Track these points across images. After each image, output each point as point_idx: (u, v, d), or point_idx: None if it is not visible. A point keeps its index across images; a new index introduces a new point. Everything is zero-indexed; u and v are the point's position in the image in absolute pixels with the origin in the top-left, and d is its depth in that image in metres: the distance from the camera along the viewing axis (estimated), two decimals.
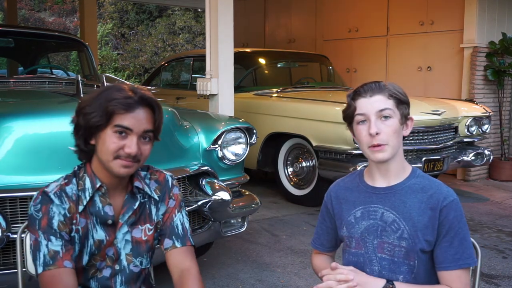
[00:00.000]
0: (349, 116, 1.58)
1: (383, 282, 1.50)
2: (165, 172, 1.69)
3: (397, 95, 1.54)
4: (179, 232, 1.62)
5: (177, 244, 1.60)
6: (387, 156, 1.53)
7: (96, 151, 1.50)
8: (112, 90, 1.47)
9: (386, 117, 1.52)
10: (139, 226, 1.59)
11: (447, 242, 1.52)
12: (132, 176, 1.58)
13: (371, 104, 1.52)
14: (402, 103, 1.55)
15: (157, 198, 1.62)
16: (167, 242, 1.61)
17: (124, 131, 1.44)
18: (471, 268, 1.64)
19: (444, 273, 1.53)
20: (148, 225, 1.60)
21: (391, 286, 1.48)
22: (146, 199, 1.61)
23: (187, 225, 1.65)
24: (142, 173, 1.63)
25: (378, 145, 1.51)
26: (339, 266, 1.51)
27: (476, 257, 1.60)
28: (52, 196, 1.48)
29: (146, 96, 1.48)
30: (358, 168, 1.74)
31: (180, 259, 1.59)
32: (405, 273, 1.54)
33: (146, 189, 1.60)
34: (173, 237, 1.61)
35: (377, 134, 1.50)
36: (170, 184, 1.66)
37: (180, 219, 1.64)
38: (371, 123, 1.51)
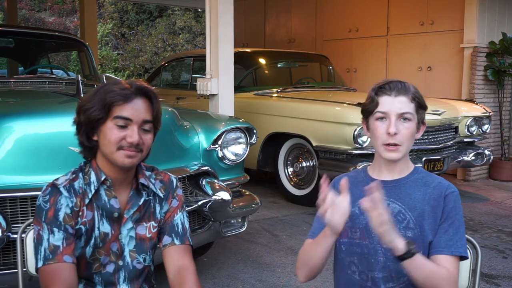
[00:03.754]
0: (369, 110, 1.60)
1: (404, 243, 1.45)
2: (169, 174, 1.72)
3: (419, 99, 1.59)
4: (179, 230, 1.64)
5: (176, 242, 1.62)
6: (399, 157, 1.58)
7: (99, 146, 1.53)
8: (109, 84, 1.52)
9: (405, 119, 1.56)
10: (144, 223, 1.62)
11: (443, 229, 1.56)
12: (137, 173, 1.61)
13: (394, 104, 1.56)
14: (422, 108, 1.61)
15: (162, 196, 1.65)
16: (166, 239, 1.63)
17: (124, 122, 1.48)
18: (470, 266, 1.66)
19: (435, 257, 1.54)
20: (152, 222, 1.63)
21: (412, 249, 1.44)
22: (150, 197, 1.64)
23: (187, 225, 1.68)
24: (147, 173, 1.66)
25: (394, 145, 1.55)
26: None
27: (469, 253, 1.63)
28: (62, 189, 1.52)
29: (142, 86, 1.52)
30: (359, 168, 1.75)
31: (177, 257, 1.60)
32: None
33: (151, 186, 1.63)
34: (173, 234, 1.63)
35: (395, 134, 1.54)
36: (174, 185, 1.69)
37: (181, 219, 1.67)
38: (391, 122, 1.55)
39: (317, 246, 1.58)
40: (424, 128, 1.66)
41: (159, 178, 1.67)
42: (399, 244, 1.44)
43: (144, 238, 1.62)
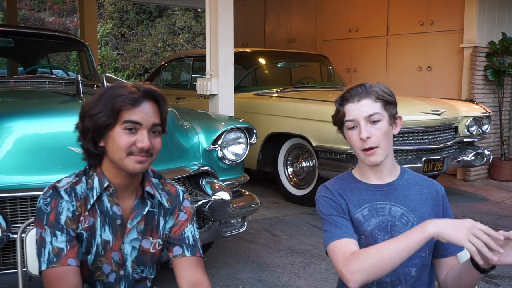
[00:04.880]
0: (338, 122, 1.61)
1: None
2: (177, 186, 1.67)
3: (384, 97, 1.56)
4: (190, 242, 1.59)
5: (187, 253, 1.57)
6: (380, 159, 1.57)
7: (106, 152, 1.49)
8: (115, 88, 1.47)
9: (375, 120, 1.55)
10: (150, 238, 1.58)
11: None
12: (143, 180, 1.57)
13: (359, 109, 1.55)
14: (389, 103, 1.58)
15: (168, 207, 1.60)
16: (176, 250, 1.58)
17: (133, 127, 1.44)
18: None
19: (450, 259, 1.59)
20: (159, 240, 1.59)
21: None
22: (155, 209, 1.59)
23: (197, 237, 1.63)
24: (154, 180, 1.61)
25: (371, 148, 1.55)
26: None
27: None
28: (62, 193, 1.48)
29: (150, 89, 1.48)
30: (343, 173, 1.76)
31: (190, 271, 1.55)
32: (418, 266, 1.57)
33: (157, 195, 1.58)
34: (184, 245, 1.58)
35: (368, 138, 1.54)
36: (181, 198, 1.64)
37: (192, 231, 1.62)
38: (361, 128, 1.54)
39: (408, 251, 1.40)
40: (401, 121, 1.64)
41: (166, 190, 1.62)
42: None
43: (147, 251, 1.58)
